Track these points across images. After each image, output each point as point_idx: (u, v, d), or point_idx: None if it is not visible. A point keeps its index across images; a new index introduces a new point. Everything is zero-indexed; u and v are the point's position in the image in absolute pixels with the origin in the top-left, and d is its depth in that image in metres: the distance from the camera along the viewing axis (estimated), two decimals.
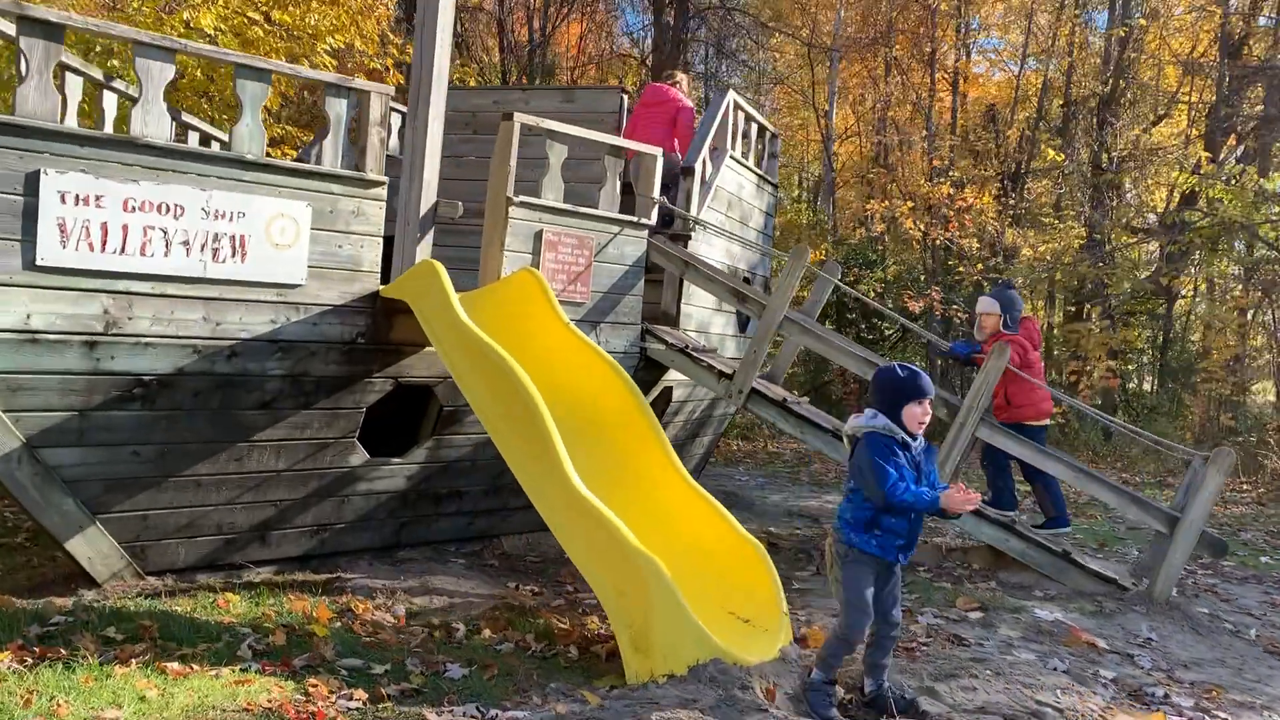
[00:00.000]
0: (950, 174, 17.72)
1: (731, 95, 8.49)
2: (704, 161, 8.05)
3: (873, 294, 17.40)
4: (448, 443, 6.67)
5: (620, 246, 7.06)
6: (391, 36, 12.98)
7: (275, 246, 5.62)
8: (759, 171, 9.38)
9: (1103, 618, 6.13)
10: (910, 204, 17.23)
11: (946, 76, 20.61)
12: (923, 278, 18.11)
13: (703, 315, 8.31)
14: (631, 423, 5.73)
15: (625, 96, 8.52)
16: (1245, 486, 13.17)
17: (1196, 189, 15.27)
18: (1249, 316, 18.24)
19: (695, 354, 7.12)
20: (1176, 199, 18.01)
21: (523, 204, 6.52)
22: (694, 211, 7.87)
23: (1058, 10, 20.05)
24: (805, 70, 21.04)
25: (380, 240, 6.14)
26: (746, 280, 9.10)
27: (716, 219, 8.36)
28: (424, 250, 6.78)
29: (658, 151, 7.24)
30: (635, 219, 7.12)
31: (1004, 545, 6.58)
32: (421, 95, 6.58)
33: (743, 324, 9.11)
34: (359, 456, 6.29)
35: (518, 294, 6.23)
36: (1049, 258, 17.24)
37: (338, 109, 5.90)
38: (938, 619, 5.89)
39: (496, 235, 6.52)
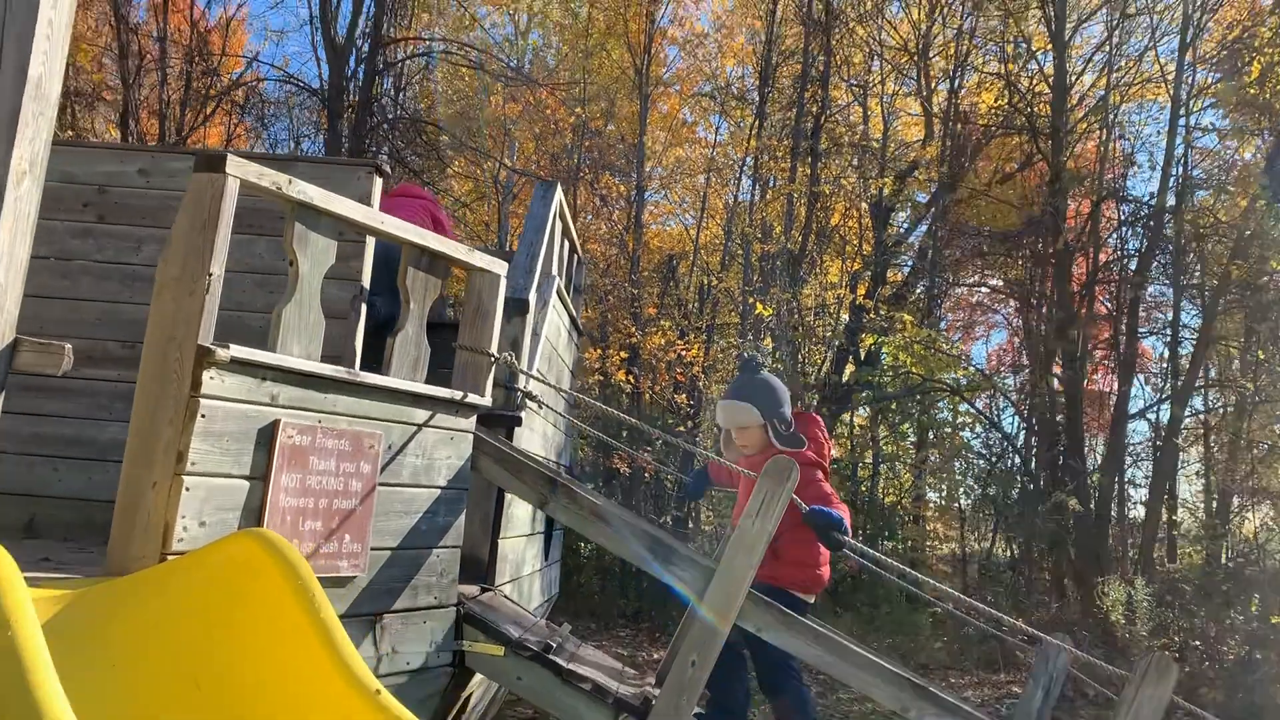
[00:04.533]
0: (661, 323, 15.03)
1: (560, 195, 4.92)
2: (534, 293, 4.37)
3: (581, 453, 14.14)
4: None
5: (428, 451, 3.20)
6: None
7: None
8: (574, 313, 5.82)
9: None
10: (624, 354, 14.27)
11: (629, 222, 18.24)
12: (624, 433, 15.11)
13: (517, 551, 4.51)
14: None
15: (382, 179, 4.66)
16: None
17: (872, 347, 14.03)
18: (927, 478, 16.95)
19: (566, 668, 3.34)
20: (831, 360, 16.67)
21: (238, 363, 2.56)
22: (524, 370, 4.14)
23: (730, 173, 18.58)
24: (490, 202, 17.79)
25: None
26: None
27: (537, 384, 4.65)
28: None
29: (502, 267, 3.49)
30: (458, 395, 3.30)
31: None
32: None
33: (546, 541, 5.38)
34: None
35: (227, 593, 2.22)
36: None
37: None
38: None
39: (165, 436, 2.49)
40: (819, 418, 4.01)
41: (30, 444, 4.48)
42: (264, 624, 2.16)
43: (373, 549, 2.99)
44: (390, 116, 14.74)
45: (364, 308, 4.22)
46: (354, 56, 14.08)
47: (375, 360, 3.43)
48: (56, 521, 4.42)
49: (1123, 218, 14.59)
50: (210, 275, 2.53)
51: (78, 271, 4.69)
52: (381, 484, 3.01)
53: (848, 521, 3.57)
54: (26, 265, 3.07)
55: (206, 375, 2.51)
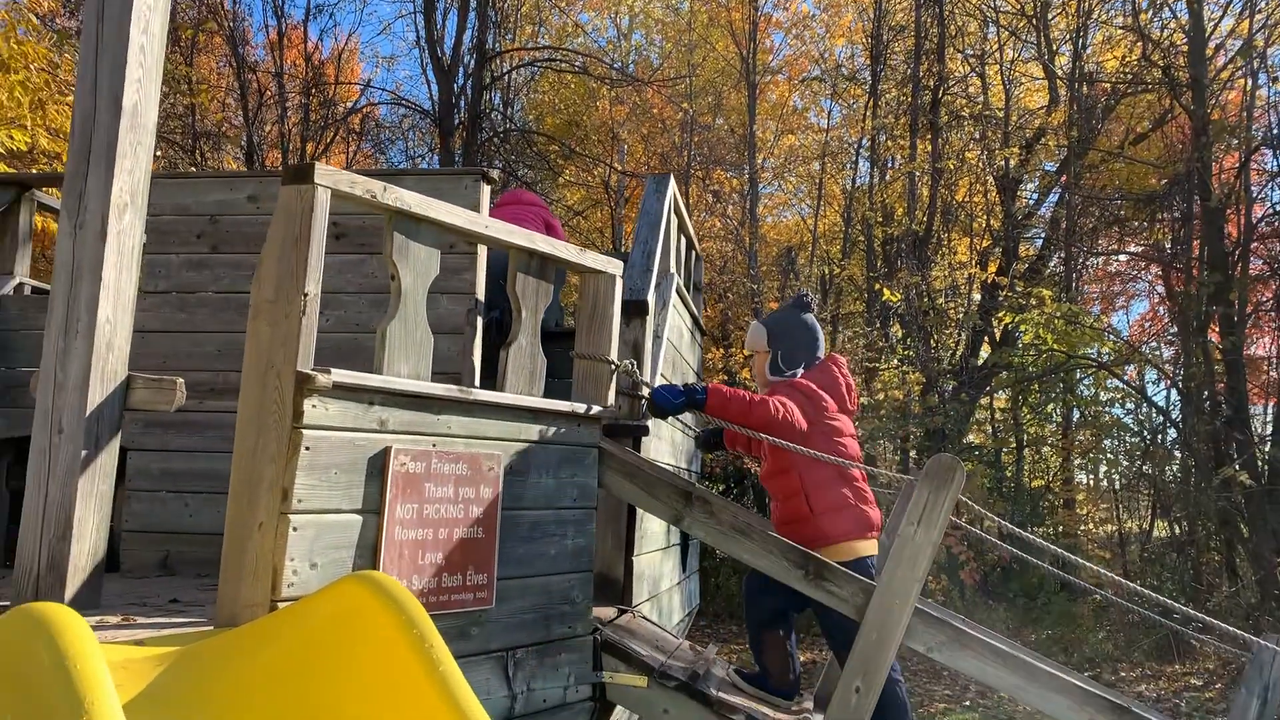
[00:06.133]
0: None
1: (673, 188, 4.63)
2: (653, 293, 4.09)
3: (709, 458, 13.82)
4: None
5: (552, 469, 2.94)
6: None
7: None
8: (695, 312, 5.52)
9: None
10: (747, 352, 13.88)
11: (743, 216, 17.83)
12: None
13: (653, 567, 4.23)
14: None
15: (489, 186, 4.46)
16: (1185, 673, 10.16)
17: (1009, 325, 13.26)
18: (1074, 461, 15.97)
19: (716, 697, 3.03)
20: (965, 343, 15.83)
21: (342, 388, 2.34)
22: (647, 377, 3.86)
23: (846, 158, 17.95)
24: (603, 208, 17.66)
25: None
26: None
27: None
28: (96, 487, 2.50)
29: (618, 267, 3.22)
30: (580, 408, 3.03)
31: None
32: (95, 141, 2.44)
33: (682, 553, 5.09)
34: None
35: (336, 644, 1.99)
36: (889, 408, 14.28)
37: None
38: None
39: (268, 472, 2.28)
40: (840, 357, 3.61)
41: (162, 480, 4.43)
42: (377, 675, 1.92)
43: (499, 579, 2.74)
44: (500, 130, 14.73)
45: (479, 321, 4.00)
46: (461, 74, 14.09)
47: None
48: (190, 559, 4.35)
49: (1278, 169, 13.45)
50: (305, 295, 2.32)
51: (195, 304, 4.63)
52: (504, 508, 2.76)
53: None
54: (134, 299, 2.94)
55: (309, 403, 2.30)
